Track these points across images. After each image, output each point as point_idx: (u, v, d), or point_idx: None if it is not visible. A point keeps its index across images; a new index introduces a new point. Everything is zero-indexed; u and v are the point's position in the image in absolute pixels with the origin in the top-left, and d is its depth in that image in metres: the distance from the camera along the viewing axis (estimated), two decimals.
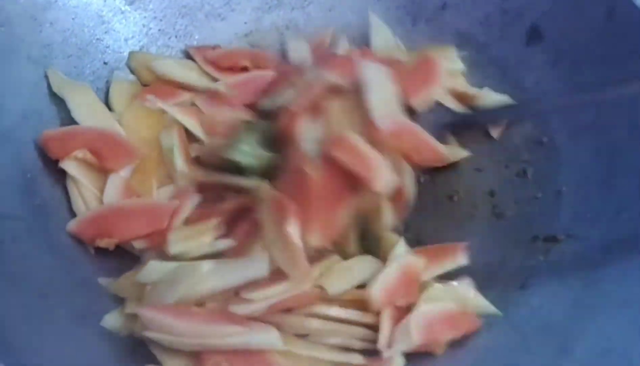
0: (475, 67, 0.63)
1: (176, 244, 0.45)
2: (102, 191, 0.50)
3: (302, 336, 0.45)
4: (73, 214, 0.50)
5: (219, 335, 0.40)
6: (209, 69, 0.59)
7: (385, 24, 0.65)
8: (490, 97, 0.60)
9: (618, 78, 0.50)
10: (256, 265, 0.43)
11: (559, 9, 0.59)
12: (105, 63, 0.58)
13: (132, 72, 0.59)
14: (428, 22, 0.66)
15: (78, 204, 0.50)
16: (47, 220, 0.48)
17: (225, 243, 0.45)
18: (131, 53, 0.59)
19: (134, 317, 0.43)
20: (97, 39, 0.58)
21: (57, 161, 0.50)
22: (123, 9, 0.60)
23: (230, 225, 0.47)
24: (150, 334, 0.40)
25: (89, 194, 0.50)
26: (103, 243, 0.47)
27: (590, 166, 0.53)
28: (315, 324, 0.44)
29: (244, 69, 0.60)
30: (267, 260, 0.43)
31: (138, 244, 0.48)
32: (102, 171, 0.51)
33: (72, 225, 0.49)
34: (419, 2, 0.65)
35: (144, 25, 0.61)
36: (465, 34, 0.64)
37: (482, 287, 0.49)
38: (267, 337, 0.41)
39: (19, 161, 0.49)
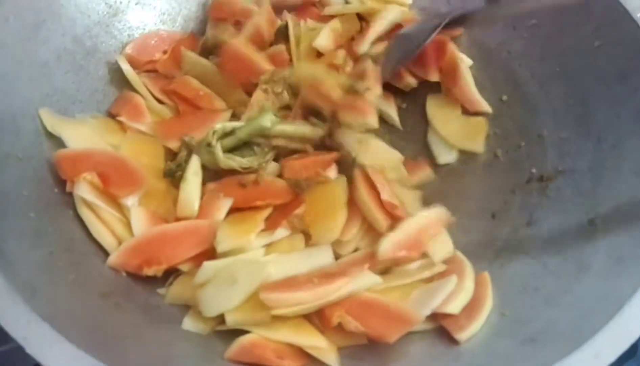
0: None
1: (224, 242, 0.47)
2: (119, 213, 0.50)
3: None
4: None
5: (333, 290, 0.45)
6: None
7: None
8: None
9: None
10: (322, 254, 0.48)
11: None
12: (101, 75, 0.60)
13: None
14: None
15: (98, 230, 0.49)
16: None
17: (282, 233, 0.49)
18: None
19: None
20: (88, 53, 0.59)
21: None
22: (108, 22, 0.61)
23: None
24: (277, 312, 0.44)
25: (108, 216, 0.50)
26: (151, 271, 0.47)
27: (565, 108, 0.59)
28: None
29: None
30: (331, 248, 0.48)
31: (184, 267, 0.48)
32: (107, 196, 0.50)
33: (113, 259, 0.48)
34: None
35: (128, 35, 0.63)
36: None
37: (494, 227, 0.55)
38: (368, 279, 0.47)
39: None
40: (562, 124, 0.59)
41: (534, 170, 0.58)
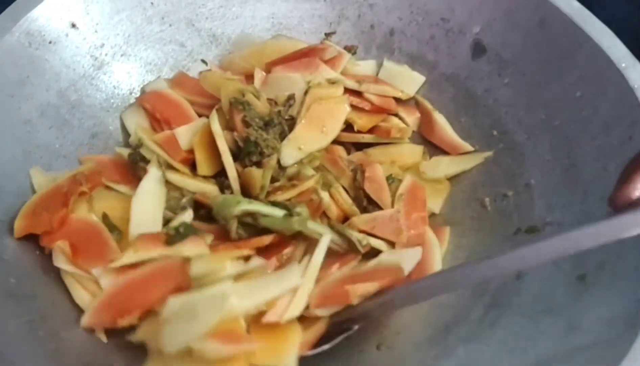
0: (430, 83, 0.69)
1: (197, 266, 0.46)
2: None
3: None
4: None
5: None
6: None
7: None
8: None
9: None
10: (290, 275, 0.46)
11: (496, 23, 0.65)
12: (86, 128, 0.59)
13: None
14: (379, 49, 0.71)
15: (81, 295, 0.48)
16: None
17: (257, 262, 0.47)
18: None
19: None
20: (73, 106, 0.59)
21: None
22: (93, 74, 0.61)
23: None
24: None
25: (91, 282, 0.48)
26: (126, 321, 0.44)
27: (552, 158, 0.59)
28: None
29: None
30: (298, 269, 0.46)
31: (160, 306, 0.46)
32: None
33: (85, 319, 0.46)
34: (368, 32, 0.71)
35: (114, 87, 0.62)
36: (415, 54, 0.70)
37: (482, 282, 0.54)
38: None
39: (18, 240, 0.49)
40: (549, 174, 0.58)
41: (521, 221, 0.57)
